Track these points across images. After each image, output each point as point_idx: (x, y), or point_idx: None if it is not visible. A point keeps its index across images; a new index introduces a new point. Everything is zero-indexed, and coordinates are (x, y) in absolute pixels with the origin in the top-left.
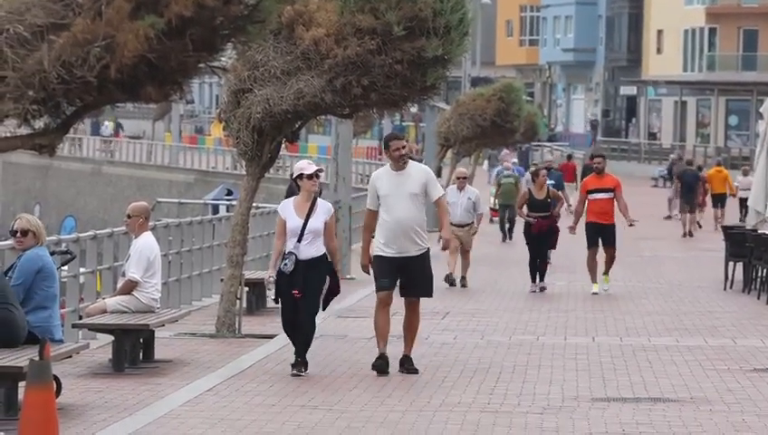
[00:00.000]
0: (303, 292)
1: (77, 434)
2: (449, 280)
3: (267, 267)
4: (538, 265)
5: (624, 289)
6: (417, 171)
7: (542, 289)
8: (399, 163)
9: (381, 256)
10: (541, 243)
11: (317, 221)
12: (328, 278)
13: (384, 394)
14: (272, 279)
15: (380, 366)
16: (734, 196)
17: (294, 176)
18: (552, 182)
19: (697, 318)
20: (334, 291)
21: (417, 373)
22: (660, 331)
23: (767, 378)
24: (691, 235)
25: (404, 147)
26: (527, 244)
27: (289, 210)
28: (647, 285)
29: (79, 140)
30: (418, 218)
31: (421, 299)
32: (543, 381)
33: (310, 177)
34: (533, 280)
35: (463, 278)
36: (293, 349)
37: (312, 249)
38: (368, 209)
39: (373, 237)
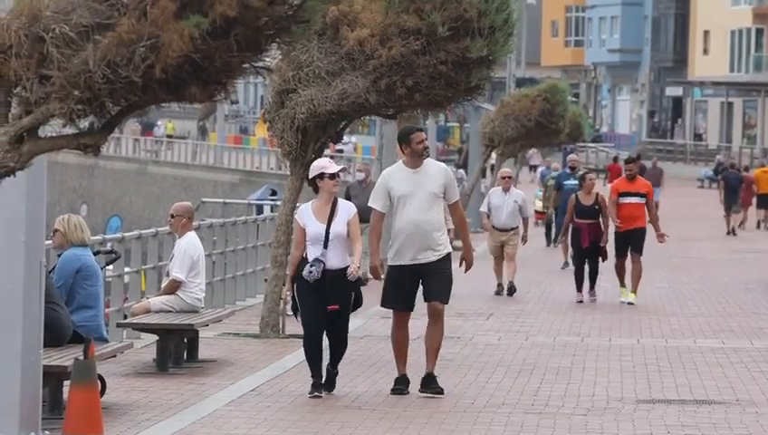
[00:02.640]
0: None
1: (121, 433)
2: (499, 290)
3: None
4: (589, 276)
5: (669, 291)
6: (437, 169)
7: (593, 300)
8: (422, 157)
9: (395, 265)
10: (589, 254)
11: (339, 224)
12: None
13: (428, 395)
14: (289, 296)
15: (400, 390)
16: None
17: (313, 175)
18: (578, 182)
19: (743, 320)
20: (357, 304)
21: (443, 394)
22: (706, 332)
23: None
24: (735, 233)
25: (426, 139)
26: (574, 253)
27: (308, 215)
28: (692, 287)
29: (136, 140)
30: (437, 221)
31: (463, 302)
32: (588, 382)
33: (332, 176)
34: (579, 289)
35: (511, 284)
36: (310, 371)
37: (338, 257)
38: (375, 210)
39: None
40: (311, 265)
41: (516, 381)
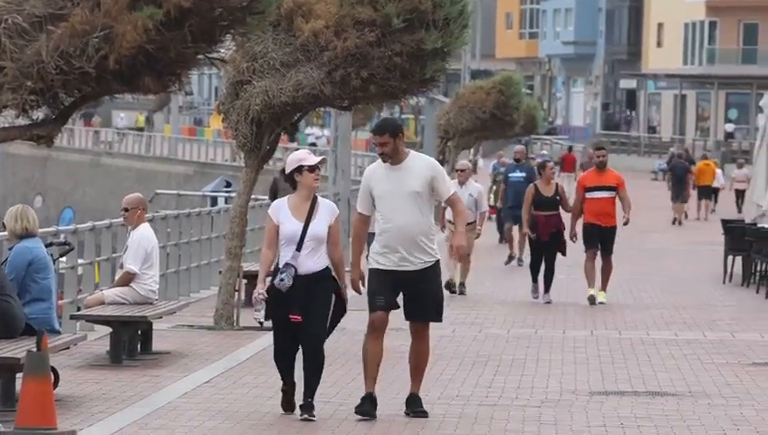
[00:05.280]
0: (307, 314)
1: (74, 425)
2: (449, 286)
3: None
4: (544, 276)
5: (623, 282)
6: (420, 165)
7: (548, 302)
8: (385, 160)
9: (378, 269)
10: (547, 248)
11: (319, 225)
12: (333, 298)
13: (382, 386)
14: (261, 296)
15: (366, 411)
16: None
17: (291, 169)
18: (524, 174)
19: (696, 312)
20: (340, 313)
21: (427, 417)
22: (659, 324)
23: (766, 372)
24: (680, 223)
25: (386, 144)
26: (531, 248)
27: (284, 212)
28: (645, 279)
29: (96, 133)
30: (424, 223)
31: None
32: (542, 374)
33: (312, 169)
34: (535, 280)
35: (461, 285)
36: (283, 386)
37: (313, 261)
38: (358, 213)
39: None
40: (281, 272)
41: (470, 373)
